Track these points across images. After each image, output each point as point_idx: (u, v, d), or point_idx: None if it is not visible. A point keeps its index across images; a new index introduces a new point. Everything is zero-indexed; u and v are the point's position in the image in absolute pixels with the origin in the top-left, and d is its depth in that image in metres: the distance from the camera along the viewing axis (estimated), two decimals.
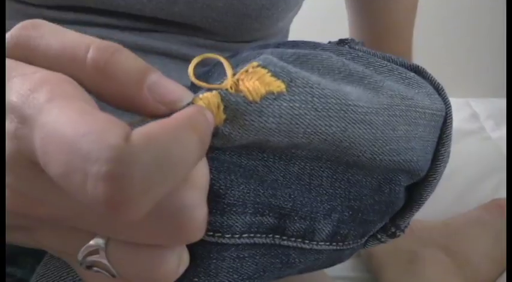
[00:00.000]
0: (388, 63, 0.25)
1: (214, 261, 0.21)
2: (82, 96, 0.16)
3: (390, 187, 0.24)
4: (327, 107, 0.20)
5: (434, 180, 0.25)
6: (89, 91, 0.17)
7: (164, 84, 0.17)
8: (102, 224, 0.17)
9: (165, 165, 0.14)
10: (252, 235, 0.21)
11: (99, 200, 0.14)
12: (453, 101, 0.27)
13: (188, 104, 0.18)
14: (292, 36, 0.45)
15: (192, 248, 0.20)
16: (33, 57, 0.17)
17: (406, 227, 0.27)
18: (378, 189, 0.23)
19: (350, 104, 0.20)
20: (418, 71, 0.26)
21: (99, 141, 0.14)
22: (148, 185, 0.14)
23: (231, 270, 0.22)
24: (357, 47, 0.26)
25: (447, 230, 0.53)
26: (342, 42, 0.27)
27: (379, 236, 0.26)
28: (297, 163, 0.21)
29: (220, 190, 0.20)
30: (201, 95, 0.18)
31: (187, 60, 0.37)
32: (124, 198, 0.14)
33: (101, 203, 0.14)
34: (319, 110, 0.19)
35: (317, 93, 0.20)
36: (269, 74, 0.19)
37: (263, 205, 0.21)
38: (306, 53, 0.22)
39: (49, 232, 0.19)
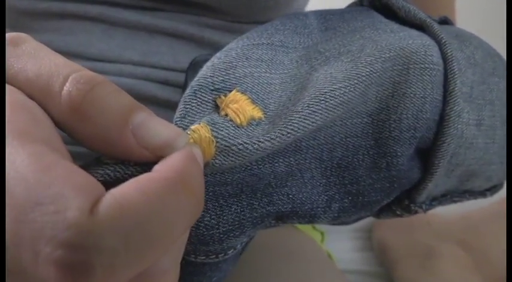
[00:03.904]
0: (381, 27, 0.24)
1: (224, 266, 0.21)
2: (43, 136, 0.14)
3: (387, 161, 0.22)
4: (306, 105, 0.19)
5: (444, 144, 0.23)
6: (63, 130, 0.15)
7: (152, 126, 0.15)
8: None
9: (142, 245, 0.12)
10: (251, 236, 0.21)
11: None
12: None
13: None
14: None
15: (199, 267, 0.20)
16: (8, 77, 0.15)
17: (428, 205, 0.26)
18: (373, 166, 0.22)
19: (326, 92, 0.20)
20: (425, 25, 0.24)
21: (55, 215, 0.11)
22: (114, 273, 0.12)
23: (236, 257, 0.22)
24: None
25: (466, 224, 0.51)
26: None
27: (393, 208, 0.25)
28: (281, 160, 0.21)
29: (212, 220, 0.19)
30: (191, 128, 0.17)
31: (195, 41, 0.35)
32: None
33: None
34: (300, 110, 0.19)
35: (290, 104, 0.20)
36: (248, 100, 0.19)
37: (262, 217, 0.21)
38: (289, 44, 0.23)
39: None
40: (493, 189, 0.29)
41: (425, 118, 0.22)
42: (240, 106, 0.19)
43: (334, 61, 0.22)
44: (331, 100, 0.20)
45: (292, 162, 0.21)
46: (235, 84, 0.20)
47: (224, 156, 0.18)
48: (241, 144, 0.18)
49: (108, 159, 0.16)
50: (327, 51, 0.22)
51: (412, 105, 0.22)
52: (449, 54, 0.23)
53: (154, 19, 0.35)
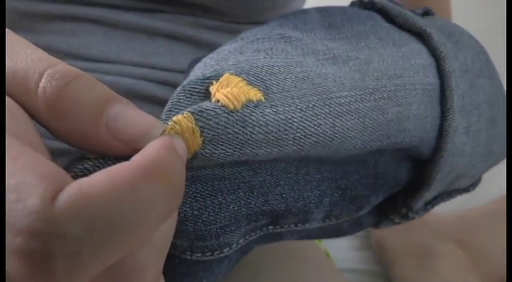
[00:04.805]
0: (384, 37, 0.24)
1: (216, 269, 0.21)
2: (16, 129, 0.13)
3: (375, 158, 0.23)
4: (311, 105, 0.19)
5: (442, 158, 0.23)
6: (43, 127, 0.15)
7: (127, 118, 0.14)
8: None
9: (109, 234, 0.12)
10: (247, 237, 0.21)
11: (14, 277, 0.11)
12: None
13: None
14: None
15: (193, 267, 0.20)
16: None
17: (423, 210, 0.26)
18: (362, 162, 0.23)
19: (332, 97, 0.19)
20: (425, 34, 0.24)
21: (16, 203, 0.11)
22: (79, 263, 0.11)
23: (230, 262, 0.22)
24: (376, 0, 0.25)
25: (463, 223, 0.51)
26: None
27: (391, 217, 0.26)
28: (283, 162, 0.21)
29: (210, 217, 0.19)
30: (173, 119, 0.17)
31: (194, 42, 0.36)
32: (43, 279, 0.11)
33: (17, 281, 0.11)
34: (304, 109, 0.18)
35: (295, 94, 0.19)
36: (244, 82, 0.18)
37: (256, 214, 0.20)
38: (291, 35, 0.22)
39: None
40: (474, 184, 0.30)
41: (427, 137, 0.23)
42: (232, 89, 0.17)
43: (343, 64, 0.21)
44: (336, 107, 0.19)
45: (293, 162, 0.21)
46: (229, 70, 0.19)
47: (214, 145, 0.17)
48: (231, 133, 0.17)
49: (90, 155, 0.15)
50: (334, 49, 0.22)
51: (420, 126, 0.22)
52: (447, 69, 0.23)
53: (153, 21, 0.35)
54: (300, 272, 0.37)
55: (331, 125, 0.19)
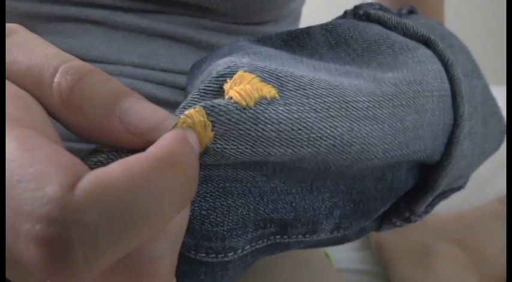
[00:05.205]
0: (396, 40, 0.23)
1: (219, 273, 0.21)
2: (32, 122, 0.14)
3: (393, 174, 0.22)
4: (326, 107, 0.18)
5: (450, 165, 0.23)
6: (57, 120, 0.15)
7: (139, 111, 0.15)
8: None
9: (126, 222, 0.12)
10: (253, 244, 0.21)
11: (32, 264, 0.11)
12: None
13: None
14: (305, 19, 0.43)
15: (195, 267, 0.19)
16: None
17: (424, 213, 0.26)
18: (381, 178, 0.22)
19: (349, 101, 0.19)
20: (430, 42, 0.24)
21: (35, 191, 0.11)
22: (96, 251, 0.11)
23: (235, 272, 0.22)
24: (372, 11, 0.25)
25: (462, 223, 0.51)
26: (357, 8, 0.25)
27: (393, 220, 0.25)
28: (300, 173, 0.20)
29: (218, 219, 0.19)
30: (185, 113, 0.17)
31: (193, 43, 0.36)
32: (62, 266, 0.11)
33: (35, 268, 0.11)
34: (319, 110, 0.18)
35: (311, 93, 0.18)
36: (258, 78, 0.18)
37: (264, 221, 0.20)
38: (302, 58, 0.21)
39: None
40: (466, 182, 0.30)
41: (437, 144, 0.23)
42: (245, 86, 0.17)
43: (356, 77, 0.21)
44: (353, 111, 0.19)
45: (310, 175, 0.21)
46: (243, 67, 0.18)
47: (225, 140, 0.17)
48: (242, 130, 0.17)
49: (104, 148, 0.16)
50: (343, 66, 0.22)
51: (432, 133, 0.22)
52: (456, 76, 0.23)
53: (153, 22, 0.35)
54: (299, 272, 0.37)
55: (349, 128, 0.19)
